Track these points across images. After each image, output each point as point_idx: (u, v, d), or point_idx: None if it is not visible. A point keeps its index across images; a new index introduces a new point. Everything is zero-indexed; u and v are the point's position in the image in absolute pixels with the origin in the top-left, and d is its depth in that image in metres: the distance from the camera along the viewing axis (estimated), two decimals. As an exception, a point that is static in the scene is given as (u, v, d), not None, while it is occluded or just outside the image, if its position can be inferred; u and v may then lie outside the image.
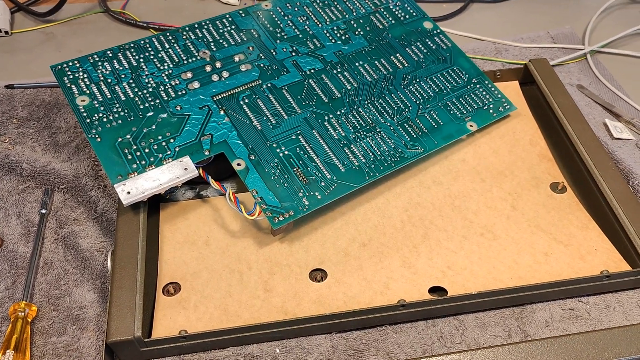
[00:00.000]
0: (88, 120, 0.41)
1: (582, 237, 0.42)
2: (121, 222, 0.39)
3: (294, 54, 0.48)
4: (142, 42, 0.46)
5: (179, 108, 0.43)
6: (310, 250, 0.41)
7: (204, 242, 0.42)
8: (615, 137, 0.49)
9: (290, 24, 0.50)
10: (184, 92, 0.44)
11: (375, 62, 0.49)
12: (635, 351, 0.35)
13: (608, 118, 0.51)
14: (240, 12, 0.50)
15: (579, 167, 0.45)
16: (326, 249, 0.41)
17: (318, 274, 0.40)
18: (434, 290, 0.39)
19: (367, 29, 0.51)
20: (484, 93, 0.49)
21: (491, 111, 0.49)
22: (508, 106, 0.49)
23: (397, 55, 0.50)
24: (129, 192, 0.38)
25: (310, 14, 0.52)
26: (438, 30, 0.53)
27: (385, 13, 0.53)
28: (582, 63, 0.57)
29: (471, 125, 0.47)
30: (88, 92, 0.43)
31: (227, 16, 0.50)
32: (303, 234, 0.42)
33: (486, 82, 0.50)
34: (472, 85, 0.50)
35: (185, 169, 0.40)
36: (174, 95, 0.44)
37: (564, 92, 0.49)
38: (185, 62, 0.46)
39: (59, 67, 0.44)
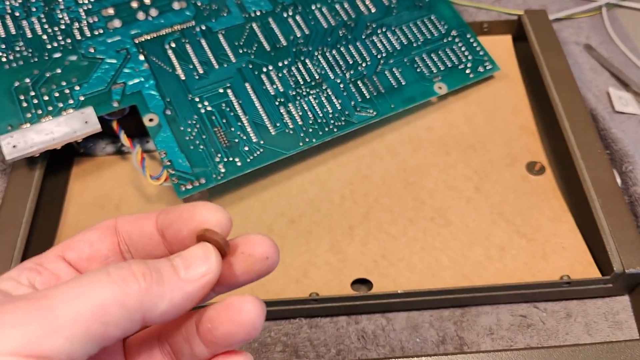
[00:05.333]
0: (-16, 59, 0.36)
1: (551, 231, 0.35)
2: (12, 180, 0.35)
3: (239, -9, 0.41)
4: (63, -30, 0.40)
5: (92, 50, 0.37)
6: (230, 224, 0.36)
7: (114, 206, 0.37)
8: (617, 111, 0.41)
9: (242, -44, 0.43)
10: (101, 31, 0.38)
11: (336, 5, 0.42)
12: (585, 379, 0.29)
13: (614, 87, 0.43)
14: (185, -62, 0.43)
15: (562, 145, 0.37)
16: (248, 223, 0.36)
17: (232, 252, 0.35)
18: (361, 282, 0.34)
19: (333, -36, 0.44)
20: (463, 49, 0.41)
21: (468, 71, 0.41)
22: (490, 66, 0.41)
23: (364, -2, 0.42)
24: (14, 146, 0.33)
25: (269, -56, 0.44)
26: (420, -30, 0.45)
27: (359, -54, 0.45)
28: (596, 18, 0.48)
29: (440, 87, 0.40)
30: (-10, 26, 0.37)
31: (169, -57, 0.43)
32: (227, 203, 0.37)
33: (468, 36, 0.42)
34: (449, 39, 0.42)
35: (86, 122, 0.35)
36: (89, 35, 0.38)
37: (558, 53, 0.40)
38: (108, -5, 0.40)
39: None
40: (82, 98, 0.35)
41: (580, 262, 0.33)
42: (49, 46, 0.37)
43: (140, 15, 0.39)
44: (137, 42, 0.38)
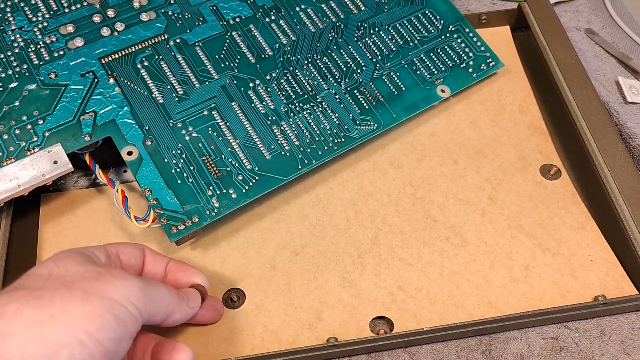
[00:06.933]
0: None
1: (576, 242, 0.32)
2: (-26, 234, 0.31)
3: (214, -4, 0.37)
4: (10, -17, 0.35)
5: (53, 76, 0.33)
6: (228, 261, 0.32)
7: (95, 249, 0.33)
8: (629, 102, 0.39)
9: (213, -46, 0.39)
10: (61, 52, 0.33)
11: (323, 5, 0.38)
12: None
13: (622, 75, 0.40)
14: (148, -62, 0.39)
15: (579, 146, 0.35)
16: (248, 260, 0.32)
17: (234, 294, 0.31)
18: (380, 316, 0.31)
19: (315, -41, 0.40)
20: (463, 45, 0.38)
21: (470, 70, 0.38)
22: (493, 63, 0.38)
23: (352, -5, 0.39)
24: (-26, 198, 0.29)
25: (242, -61, 0.40)
26: (409, -41, 0.41)
27: (340, -64, 0.41)
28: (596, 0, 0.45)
29: (443, 91, 0.37)
30: None
31: (129, -56, 0.38)
32: (221, 237, 0.33)
33: (466, 30, 0.39)
34: (447, 35, 0.38)
35: (55, 161, 0.30)
36: (47, 58, 0.33)
37: (566, 44, 0.38)
38: (66, 10, 0.35)
39: None
40: (47, 134, 0.31)
41: (611, 277, 0.31)
42: (2, 75, 0.32)
43: (105, 31, 0.34)
44: (104, 62, 0.33)
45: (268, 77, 0.35)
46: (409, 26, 0.38)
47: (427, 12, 0.39)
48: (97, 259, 0.25)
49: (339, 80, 0.35)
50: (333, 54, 0.36)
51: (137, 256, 0.27)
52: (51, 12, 0.35)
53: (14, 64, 0.33)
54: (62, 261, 0.23)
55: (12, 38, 0.34)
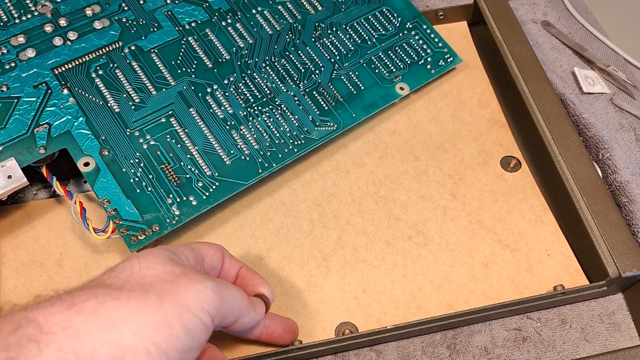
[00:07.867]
0: None
1: (534, 237, 0.33)
2: None
3: (169, 1, 0.37)
4: (-43, -6, 0.35)
5: (4, 88, 0.32)
6: (192, 268, 0.32)
7: (56, 262, 0.32)
8: (585, 92, 0.39)
9: (167, -42, 0.38)
10: (12, 64, 0.33)
11: (279, 6, 0.38)
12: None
13: (578, 66, 0.41)
14: (99, -56, 0.38)
15: (536, 138, 0.35)
16: (212, 265, 0.32)
17: (199, 301, 0.31)
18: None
19: (271, -40, 0.39)
20: (421, 42, 0.38)
21: (429, 66, 0.38)
22: (451, 59, 0.39)
23: (309, -5, 0.39)
24: None
25: (195, -58, 0.39)
26: (365, -43, 0.41)
27: (295, -64, 0.41)
28: (551, -9, 0.46)
29: (402, 88, 0.37)
30: None
31: (80, -49, 0.37)
32: (184, 243, 0.33)
33: (424, 27, 0.39)
34: (405, 33, 0.39)
35: (9, 176, 0.30)
36: (-2, 71, 0.33)
37: (521, 39, 0.38)
38: (17, 21, 0.34)
39: None
40: (0, 148, 0.30)
41: (567, 271, 0.32)
42: (-48, 89, 0.32)
43: (57, 41, 0.34)
44: (57, 72, 0.33)
45: (226, 82, 0.34)
46: (366, 25, 0.38)
47: (384, 10, 0.39)
48: (186, 259, 0.25)
49: (298, 82, 0.35)
50: (291, 56, 0.36)
51: (219, 258, 0.27)
52: (1, 24, 0.34)
53: (-36, 78, 0.32)
54: (145, 257, 0.24)
55: (-39, 51, 0.33)
